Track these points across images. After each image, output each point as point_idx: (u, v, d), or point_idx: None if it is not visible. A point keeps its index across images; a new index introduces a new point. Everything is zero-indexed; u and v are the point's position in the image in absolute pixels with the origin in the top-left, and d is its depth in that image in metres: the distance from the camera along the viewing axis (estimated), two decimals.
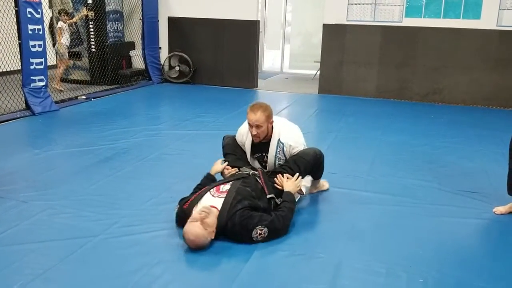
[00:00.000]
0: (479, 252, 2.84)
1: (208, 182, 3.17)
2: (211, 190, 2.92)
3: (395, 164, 4.34)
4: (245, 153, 3.44)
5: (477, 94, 7.37)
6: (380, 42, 7.63)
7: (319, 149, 3.36)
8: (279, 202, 3.03)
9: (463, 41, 7.25)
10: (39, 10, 6.01)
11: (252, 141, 3.32)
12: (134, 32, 8.81)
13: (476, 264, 2.66)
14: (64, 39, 7.55)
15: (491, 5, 7.03)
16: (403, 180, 3.93)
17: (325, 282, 2.43)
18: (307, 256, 2.68)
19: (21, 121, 5.72)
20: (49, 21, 8.42)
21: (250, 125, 3.18)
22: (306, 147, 3.37)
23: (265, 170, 3.32)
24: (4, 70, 6.00)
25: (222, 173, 3.34)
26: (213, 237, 2.69)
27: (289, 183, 3.12)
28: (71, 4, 8.19)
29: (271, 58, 11.29)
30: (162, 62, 8.86)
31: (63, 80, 8.06)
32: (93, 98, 7.12)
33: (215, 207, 2.78)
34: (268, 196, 3.02)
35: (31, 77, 6.04)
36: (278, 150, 3.28)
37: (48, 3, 8.47)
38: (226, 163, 3.38)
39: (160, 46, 8.83)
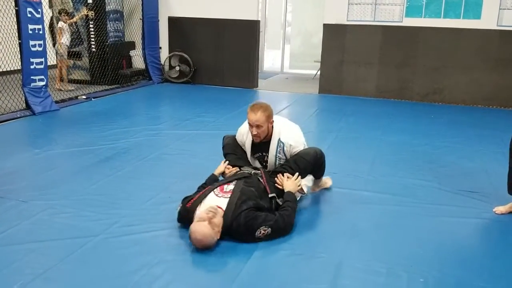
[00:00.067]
0: (479, 251, 2.84)
1: (212, 182, 3.18)
2: (214, 190, 2.92)
3: (396, 164, 4.34)
4: (245, 152, 3.44)
5: (477, 94, 7.37)
6: (380, 42, 7.63)
7: (319, 148, 3.36)
8: (280, 202, 3.02)
9: (463, 41, 7.25)
10: (39, 9, 6.01)
11: (253, 140, 3.32)
12: (134, 32, 8.81)
13: (476, 263, 2.66)
14: (65, 39, 7.55)
15: (491, 5, 7.03)
16: (403, 180, 3.93)
17: (326, 282, 2.43)
18: (307, 256, 2.68)
19: (21, 121, 5.72)
20: (49, 20, 8.42)
21: (251, 125, 3.18)
22: (306, 147, 3.37)
23: (265, 170, 3.32)
24: (4, 69, 6.00)
25: (223, 173, 3.34)
26: (218, 237, 2.69)
27: (289, 182, 3.12)
28: (71, 3, 8.19)
29: (271, 58, 11.29)
30: (162, 62, 8.86)
31: (62, 80, 8.05)
32: (93, 98, 7.12)
33: (220, 207, 2.78)
34: (270, 195, 3.02)
35: (31, 77, 6.04)
36: (278, 150, 3.28)
37: (48, 3, 8.47)
38: (227, 162, 3.38)
39: (160, 46, 8.84)
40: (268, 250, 2.72)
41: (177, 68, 8.63)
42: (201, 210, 2.78)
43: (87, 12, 7.91)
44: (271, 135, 3.27)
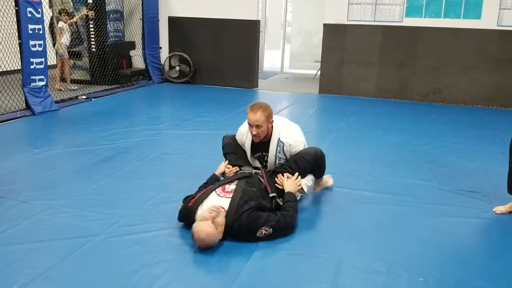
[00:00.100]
0: (479, 251, 2.84)
1: (213, 182, 3.18)
2: (216, 190, 2.92)
3: (396, 163, 4.34)
4: (245, 152, 3.44)
5: (477, 94, 7.37)
6: (380, 42, 7.63)
7: (320, 148, 3.35)
8: (280, 203, 3.02)
9: (463, 41, 7.25)
10: (39, 9, 6.01)
11: (252, 140, 3.32)
12: (134, 32, 8.81)
13: (477, 263, 2.66)
14: (64, 39, 7.55)
15: (491, 5, 7.02)
16: (403, 180, 3.93)
17: (326, 282, 2.43)
18: (307, 256, 2.68)
19: (21, 121, 5.72)
20: (49, 20, 8.42)
21: (250, 125, 3.18)
22: (306, 146, 3.37)
23: (266, 170, 3.32)
24: (4, 69, 6.00)
25: (223, 173, 3.34)
26: (221, 237, 2.69)
27: (289, 182, 3.12)
28: (71, 3, 8.19)
29: (271, 58, 11.28)
30: (162, 62, 8.86)
31: (63, 80, 8.06)
32: (94, 98, 7.12)
33: (223, 207, 2.78)
34: (270, 195, 3.02)
35: (31, 77, 6.04)
36: (278, 149, 3.28)
37: (48, 3, 8.47)
38: (227, 162, 3.38)
39: (160, 46, 8.83)
40: (268, 250, 2.72)
41: (177, 68, 8.63)
42: (203, 210, 2.78)
43: (87, 12, 7.91)
44: (271, 135, 3.27)
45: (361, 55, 7.76)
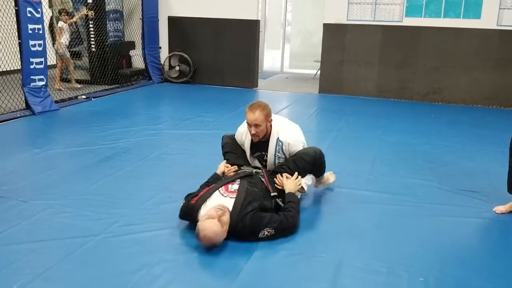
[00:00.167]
0: (479, 251, 2.84)
1: (215, 180, 3.16)
2: (220, 189, 2.91)
3: (396, 163, 4.34)
4: (244, 152, 3.44)
5: (477, 93, 7.37)
6: (380, 41, 7.63)
7: (319, 148, 3.35)
8: (280, 203, 3.02)
9: (463, 41, 7.25)
10: (39, 9, 6.01)
11: (252, 140, 3.32)
12: (134, 32, 8.81)
13: (477, 263, 2.66)
14: (64, 39, 7.55)
15: (491, 5, 7.02)
16: (403, 180, 3.92)
17: (326, 281, 2.43)
18: (307, 255, 2.68)
19: (21, 121, 5.72)
20: (49, 20, 8.42)
21: (249, 124, 3.18)
22: (306, 146, 3.37)
23: (266, 170, 3.31)
24: (4, 69, 6.00)
25: (223, 172, 3.33)
26: (225, 236, 2.69)
27: (288, 182, 3.12)
28: (71, 3, 8.18)
29: (271, 57, 11.29)
30: (162, 62, 8.86)
31: (63, 80, 8.07)
32: (93, 97, 7.12)
33: (227, 207, 2.78)
34: (272, 194, 3.02)
35: (31, 77, 6.04)
36: (277, 149, 3.28)
37: (48, 3, 8.47)
38: (225, 161, 3.38)
39: (160, 45, 8.83)
40: (268, 250, 2.72)
41: (177, 68, 8.63)
42: (206, 209, 2.77)
43: (87, 12, 7.91)
44: (270, 134, 3.27)
45: (361, 55, 7.76)
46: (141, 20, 8.47)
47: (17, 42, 5.89)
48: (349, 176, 3.95)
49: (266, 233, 2.77)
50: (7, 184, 3.60)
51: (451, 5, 7.21)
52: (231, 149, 3.44)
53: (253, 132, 3.18)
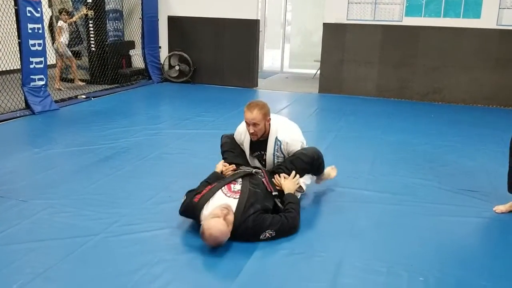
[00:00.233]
0: (479, 251, 2.84)
1: (215, 179, 3.14)
2: (222, 189, 2.90)
3: (396, 163, 4.34)
4: (243, 151, 3.44)
5: (477, 93, 7.37)
6: (380, 41, 7.63)
7: (318, 149, 3.35)
8: (280, 205, 3.01)
9: (463, 41, 7.25)
10: (38, 9, 6.00)
11: (251, 139, 3.32)
12: (134, 31, 8.81)
13: (477, 263, 2.66)
14: (64, 38, 7.55)
15: (491, 5, 7.02)
16: (403, 179, 3.92)
17: (326, 281, 2.43)
18: (307, 255, 2.68)
19: (21, 120, 5.72)
20: (48, 20, 8.42)
21: (247, 124, 3.18)
22: (305, 145, 3.37)
23: (265, 169, 3.31)
24: (4, 69, 6.00)
25: (221, 171, 3.33)
26: (229, 236, 2.68)
27: (286, 182, 3.11)
28: (70, 3, 8.18)
29: (271, 57, 11.29)
30: (162, 62, 8.86)
31: (63, 79, 8.07)
32: (93, 97, 7.12)
33: (231, 207, 2.77)
34: (273, 193, 3.02)
35: (31, 76, 6.03)
36: (276, 148, 3.28)
37: (47, 2, 8.47)
38: (223, 160, 3.38)
39: (160, 45, 8.83)
40: (268, 249, 2.72)
41: (177, 67, 8.63)
42: (209, 209, 2.77)
43: (86, 12, 7.90)
44: (269, 134, 3.27)
45: (361, 55, 7.75)
46: (141, 20, 8.47)
47: (17, 42, 5.89)
48: (349, 175, 3.95)
49: (267, 235, 2.77)
50: (7, 184, 3.60)
51: (451, 4, 7.21)
52: (229, 148, 3.44)
53: (251, 131, 3.19)
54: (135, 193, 3.48)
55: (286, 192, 3.08)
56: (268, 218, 2.80)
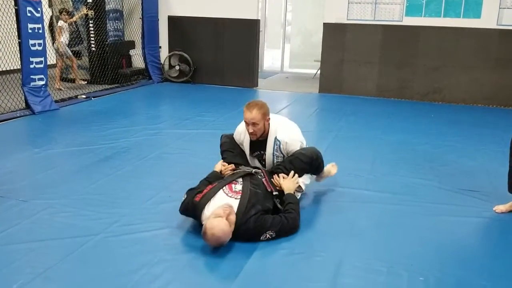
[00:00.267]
0: (479, 250, 2.84)
1: (215, 178, 3.14)
2: (224, 188, 2.90)
3: (396, 163, 4.34)
4: (242, 150, 3.44)
5: (477, 93, 7.37)
6: (380, 41, 7.63)
7: (317, 149, 3.35)
8: (279, 205, 3.01)
9: (463, 40, 7.25)
10: (39, 9, 6.00)
11: (251, 139, 3.32)
12: (134, 31, 8.81)
13: (477, 262, 2.66)
14: (64, 38, 7.55)
15: (491, 4, 7.02)
16: (403, 179, 3.92)
17: (326, 281, 2.43)
18: (307, 255, 2.68)
19: (21, 120, 5.72)
20: (49, 20, 8.42)
21: (247, 123, 3.19)
22: (304, 145, 3.37)
23: (265, 169, 3.31)
24: (4, 69, 6.00)
25: (220, 171, 3.32)
26: (231, 236, 2.67)
27: (286, 182, 3.11)
28: (71, 3, 8.18)
29: (271, 57, 11.29)
30: (162, 61, 8.86)
31: (64, 79, 8.07)
32: (93, 97, 7.12)
33: (233, 207, 2.77)
34: (274, 193, 3.02)
35: (31, 76, 6.03)
36: (275, 148, 3.28)
37: (48, 2, 8.47)
38: (222, 160, 3.38)
39: (160, 45, 8.83)
40: (267, 249, 2.72)
41: (177, 67, 8.63)
42: (210, 209, 2.76)
43: (86, 11, 7.90)
44: (268, 133, 3.27)
45: (361, 55, 7.75)
46: (141, 20, 8.47)
47: (17, 42, 5.89)
48: (349, 175, 3.94)
49: (267, 236, 2.77)
50: (7, 184, 3.60)
51: (451, 4, 7.21)
52: (228, 148, 3.44)
53: (250, 130, 3.19)
54: (135, 193, 3.48)
55: (286, 191, 3.08)
56: (269, 219, 2.80)
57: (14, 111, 5.86)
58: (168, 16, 8.70)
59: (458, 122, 6.18)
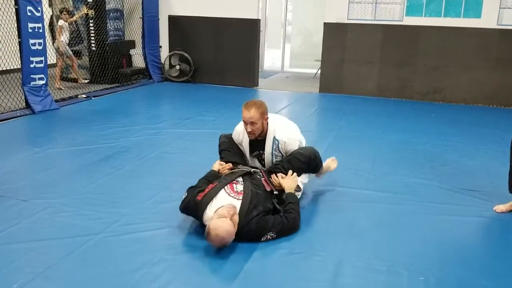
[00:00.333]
0: (480, 250, 2.84)
1: (214, 177, 3.13)
2: (225, 188, 2.89)
3: (396, 162, 4.34)
4: (240, 150, 3.44)
5: (477, 93, 7.37)
6: (381, 41, 7.62)
7: (315, 149, 3.35)
8: (278, 207, 3.01)
9: (463, 40, 7.24)
10: (39, 8, 6.00)
11: (250, 139, 3.32)
12: (134, 31, 8.81)
13: (477, 262, 2.66)
14: (64, 37, 7.55)
15: (491, 4, 7.02)
16: (404, 179, 3.92)
17: (326, 280, 2.43)
18: (307, 255, 2.68)
19: (21, 120, 5.72)
20: (49, 19, 8.42)
21: (245, 122, 3.19)
22: (303, 144, 3.37)
23: (264, 169, 3.31)
24: (4, 68, 6.00)
25: (218, 170, 3.32)
26: (234, 237, 2.66)
27: (286, 180, 3.11)
28: (71, 2, 8.18)
29: (271, 57, 11.28)
30: (162, 61, 8.86)
31: (63, 79, 8.07)
32: (94, 96, 7.12)
33: (236, 208, 2.77)
34: (274, 192, 3.02)
35: (31, 76, 6.03)
36: (274, 147, 3.28)
37: (48, 2, 8.47)
38: (220, 159, 3.37)
39: (160, 44, 8.83)
40: (267, 249, 2.71)
41: (177, 67, 8.63)
42: (212, 209, 2.75)
43: (87, 11, 7.90)
44: (267, 133, 3.27)
45: (362, 54, 7.75)
46: (141, 19, 8.47)
47: (17, 41, 5.89)
48: (349, 175, 3.94)
49: (268, 237, 2.77)
50: (7, 183, 3.60)
51: (451, 4, 7.20)
52: (227, 147, 3.44)
53: (249, 130, 3.19)
54: (136, 193, 3.48)
55: (286, 190, 3.08)
56: (270, 220, 2.80)
57: (14, 111, 5.86)
58: (169, 15, 8.70)
59: (459, 121, 6.18)
